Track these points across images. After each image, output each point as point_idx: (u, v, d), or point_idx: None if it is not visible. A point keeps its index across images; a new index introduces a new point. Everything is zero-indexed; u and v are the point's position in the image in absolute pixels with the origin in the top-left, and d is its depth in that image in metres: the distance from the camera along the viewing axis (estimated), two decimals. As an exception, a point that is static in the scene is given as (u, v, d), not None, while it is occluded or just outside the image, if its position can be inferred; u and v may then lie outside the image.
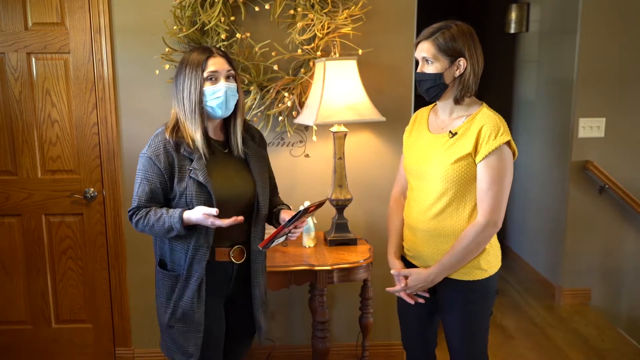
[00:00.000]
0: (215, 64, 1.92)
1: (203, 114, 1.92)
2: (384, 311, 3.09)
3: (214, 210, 1.81)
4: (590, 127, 3.71)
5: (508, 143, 1.91)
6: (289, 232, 1.96)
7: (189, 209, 1.89)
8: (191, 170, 1.91)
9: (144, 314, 3.05)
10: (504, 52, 4.87)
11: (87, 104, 2.88)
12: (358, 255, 2.63)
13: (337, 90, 2.56)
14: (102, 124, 2.89)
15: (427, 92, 1.97)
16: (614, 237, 3.83)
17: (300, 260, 2.57)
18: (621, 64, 3.65)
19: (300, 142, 2.94)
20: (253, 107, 2.78)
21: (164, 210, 1.90)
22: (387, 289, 2.13)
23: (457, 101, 1.97)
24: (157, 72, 2.78)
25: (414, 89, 2.94)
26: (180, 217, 1.85)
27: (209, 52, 1.93)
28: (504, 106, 4.83)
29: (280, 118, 2.84)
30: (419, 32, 2.85)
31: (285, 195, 2.85)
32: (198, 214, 1.84)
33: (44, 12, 2.79)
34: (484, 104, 2.00)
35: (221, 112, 1.94)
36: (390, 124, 2.86)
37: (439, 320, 2.20)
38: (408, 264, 2.12)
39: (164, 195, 1.95)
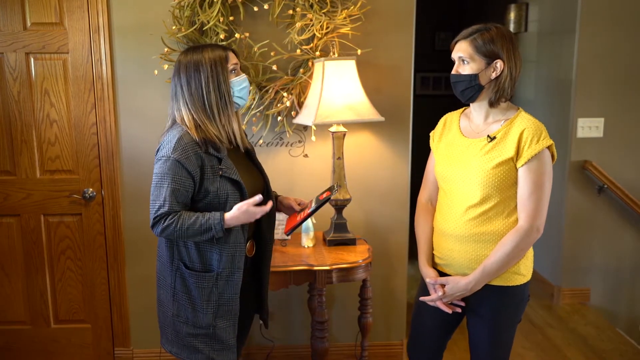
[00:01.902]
0: (234, 57, 1.99)
1: (233, 106, 1.97)
2: (383, 311, 3.09)
3: (257, 198, 1.87)
4: (589, 127, 3.71)
5: (549, 147, 1.89)
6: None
7: (222, 209, 1.91)
8: (222, 169, 1.92)
9: (143, 314, 3.05)
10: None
11: (86, 104, 2.88)
12: (357, 255, 2.63)
13: (336, 90, 2.56)
14: (101, 124, 2.89)
15: (463, 93, 1.94)
16: (613, 237, 3.83)
17: (299, 260, 2.57)
18: (620, 64, 3.65)
19: (299, 142, 2.94)
20: (252, 107, 2.78)
21: (198, 213, 1.90)
22: (422, 297, 2.07)
23: (492, 104, 1.94)
24: (156, 72, 2.78)
25: (412, 89, 2.95)
26: (222, 219, 1.87)
27: (223, 47, 1.98)
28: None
29: (279, 118, 2.84)
30: (417, 32, 2.89)
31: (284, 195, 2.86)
32: (241, 208, 1.88)
33: (43, 12, 2.79)
34: (521, 109, 1.97)
35: (243, 103, 2.02)
36: (389, 124, 2.87)
37: (453, 332, 2.17)
38: (438, 273, 2.07)
39: (190, 197, 1.94)
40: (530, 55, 4.42)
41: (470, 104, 2.01)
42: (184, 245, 1.98)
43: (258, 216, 1.92)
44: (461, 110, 2.11)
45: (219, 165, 1.92)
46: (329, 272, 2.53)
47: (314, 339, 2.62)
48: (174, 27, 2.71)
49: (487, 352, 2.02)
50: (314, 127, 2.84)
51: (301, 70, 2.78)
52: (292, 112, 2.80)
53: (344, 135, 2.70)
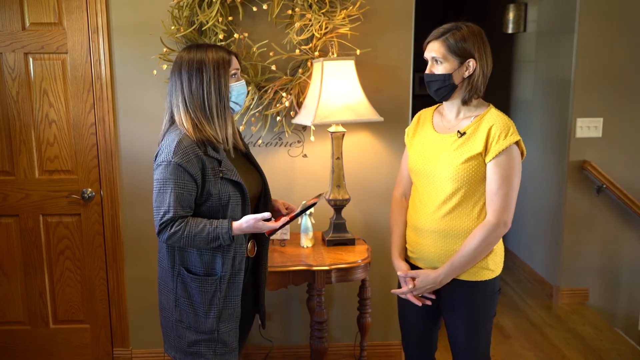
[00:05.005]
0: (236, 62, 1.98)
1: (230, 110, 1.96)
2: (382, 311, 3.09)
3: (266, 214, 1.87)
4: (588, 127, 3.71)
5: (517, 143, 1.92)
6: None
7: (224, 211, 1.92)
8: (223, 171, 1.91)
9: (142, 314, 3.05)
10: (501, 52, 4.87)
11: (85, 104, 2.88)
12: (356, 255, 2.63)
13: (335, 90, 2.56)
14: (100, 124, 2.89)
15: (436, 92, 1.97)
16: (611, 237, 3.83)
17: (298, 261, 2.57)
18: (619, 64, 3.65)
19: (298, 142, 2.94)
20: (251, 107, 2.78)
21: (205, 221, 1.89)
22: (394, 290, 2.11)
23: (465, 102, 1.97)
24: (155, 72, 2.78)
25: (411, 89, 2.95)
26: (230, 228, 1.87)
27: (227, 50, 1.96)
28: (502, 106, 4.81)
29: (278, 118, 2.84)
30: (416, 32, 2.88)
31: (283, 195, 2.86)
32: (249, 222, 1.88)
33: (42, 12, 2.79)
34: (491, 105, 2.00)
35: (238, 109, 2.01)
36: (388, 124, 2.87)
37: (441, 323, 2.19)
38: (411, 266, 2.11)
39: (194, 201, 1.93)
40: (529, 55, 4.42)
41: (444, 102, 2.04)
42: (181, 251, 1.96)
43: (264, 231, 1.93)
44: (435, 106, 2.15)
45: (219, 167, 1.92)
46: (328, 272, 2.53)
47: (313, 339, 2.62)
48: (172, 27, 2.71)
49: (467, 347, 2.05)
50: (313, 127, 2.84)
51: (300, 70, 2.78)
52: (291, 112, 2.80)
53: (343, 135, 2.70)
